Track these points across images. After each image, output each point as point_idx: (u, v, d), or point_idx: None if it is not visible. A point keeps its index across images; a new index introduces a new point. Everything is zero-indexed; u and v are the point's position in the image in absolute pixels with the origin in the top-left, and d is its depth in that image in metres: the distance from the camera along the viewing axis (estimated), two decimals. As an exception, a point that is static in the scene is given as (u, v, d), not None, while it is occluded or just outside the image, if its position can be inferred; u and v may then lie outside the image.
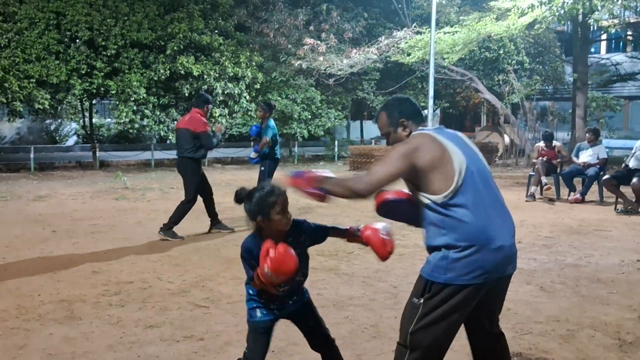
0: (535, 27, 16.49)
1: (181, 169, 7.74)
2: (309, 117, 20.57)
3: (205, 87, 17.59)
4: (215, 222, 7.92)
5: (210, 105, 8.05)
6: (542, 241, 7.45)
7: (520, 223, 8.68)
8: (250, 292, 2.93)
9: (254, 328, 2.96)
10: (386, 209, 2.98)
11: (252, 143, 9.05)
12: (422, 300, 2.70)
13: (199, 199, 7.71)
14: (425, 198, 2.69)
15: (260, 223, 2.78)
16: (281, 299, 2.90)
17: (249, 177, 15.21)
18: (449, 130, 2.89)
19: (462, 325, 2.85)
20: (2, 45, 15.68)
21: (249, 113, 19.38)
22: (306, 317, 3.08)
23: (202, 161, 7.95)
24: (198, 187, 7.66)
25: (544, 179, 10.93)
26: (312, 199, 2.83)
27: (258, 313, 2.92)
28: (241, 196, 2.84)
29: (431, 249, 2.76)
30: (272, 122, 8.54)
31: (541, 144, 11.54)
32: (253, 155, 8.56)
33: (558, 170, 11.30)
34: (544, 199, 11.05)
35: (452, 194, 2.63)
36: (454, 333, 2.76)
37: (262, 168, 8.50)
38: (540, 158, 11.10)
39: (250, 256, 2.83)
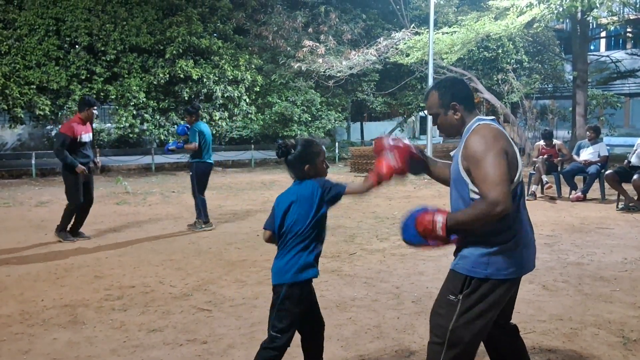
0: (534, 26, 16.50)
1: None
2: (309, 119, 20.60)
3: (204, 90, 17.61)
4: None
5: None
6: (544, 240, 7.44)
7: (522, 222, 8.67)
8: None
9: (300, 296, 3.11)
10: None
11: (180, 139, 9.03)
12: (460, 297, 2.67)
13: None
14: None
15: (307, 170, 3.04)
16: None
17: (250, 181, 15.22)
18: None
19: None
20: (2, 52, 15.72)
21: (249, 116, 19.40)
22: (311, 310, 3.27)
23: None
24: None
25: (544, 178, 10.94)
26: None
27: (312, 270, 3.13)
28: (286, 148, 3.05)
29: (469, 243, 2.68)
30: (202, 126, 8.44)
31: (541, 142, 11.54)
32: (171, 147, 8.57)
33: (559, 168, 11.31)
34: (545, 198, 11.05)
35: (513, 189, 2.61)
36: (489, 328, 2.76)
37: (191, 173, 8.41)
38: (540, 156, 11.11)
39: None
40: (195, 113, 8.53)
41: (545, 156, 11.09)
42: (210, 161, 8.51)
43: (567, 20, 22.54)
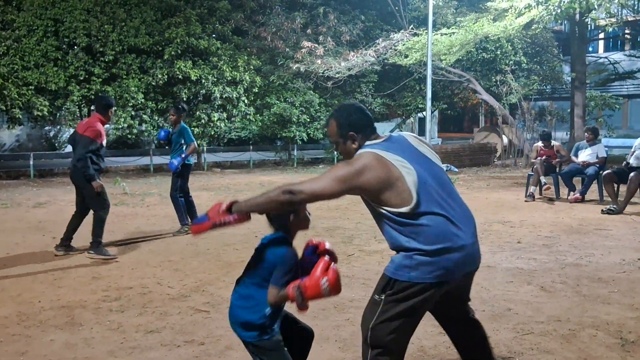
0: (533, 27, 16.53)
1: None
2: (308, 120, 20.58)
3: (203, 91, 17.61)
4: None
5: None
6: (542, 241, 7.45)
7: (520, 223, 8.68)
8: (266, 312, 2.79)
9: (278, 344, 2.84)
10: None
11: (167, 147, 8.73)
12: (383, 297, 2.74)
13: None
14: (384, 210, 2.72)
15: (290, 222, 2.85)
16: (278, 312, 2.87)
17: (248, 182, 15.21)
18: (397, 138, 2.88)
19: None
20: (0, 52, 15.71)
21: (248, 117, 19.40)
22: (285, 322, 2.99)
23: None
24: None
25: (543, 179, 10.94)
26: (234, 224, 2.77)
27: (275, 329, 2.84)
28: None
29: (396, 250, 2.77)
30: (185, 126, 8.39)
31: (540, 143, 11.55)
32: (176, 162, 8.08)
33: (557, 169, 11.31)
34: (544, 199, 11.05)
35: (414, 207, 2.66)
36: (412, 330, 2.84)
37: (176, 173, 8.24)
38: (539, 158, 11.11)
39: (295, 264, 2.80)
40: (185, 112, 8.48)
41: (543, 157, 11.09)
42: (193, 162, 8.57)
43: (566, 22, 22.57)
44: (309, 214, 2.93)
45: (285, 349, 2.86)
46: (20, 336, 4.29)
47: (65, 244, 6.93)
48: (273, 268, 2.74)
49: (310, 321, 4.47)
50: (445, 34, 17.76)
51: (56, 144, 24.96)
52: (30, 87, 15.68)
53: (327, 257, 2.75)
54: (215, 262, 6.49)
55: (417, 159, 2.80)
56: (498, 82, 20.85)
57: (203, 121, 17.80)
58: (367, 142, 2.83)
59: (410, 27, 19.03)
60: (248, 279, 2.84)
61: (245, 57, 19.09)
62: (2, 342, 4.16)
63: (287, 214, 2.83)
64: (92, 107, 19.28)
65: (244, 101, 18.76)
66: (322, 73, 19.39)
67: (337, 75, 19.40)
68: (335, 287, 2.64)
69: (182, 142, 8.18)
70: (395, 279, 2.71)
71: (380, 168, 2.67)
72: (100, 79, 16.56)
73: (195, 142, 8.29)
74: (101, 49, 16.62)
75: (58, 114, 18.65)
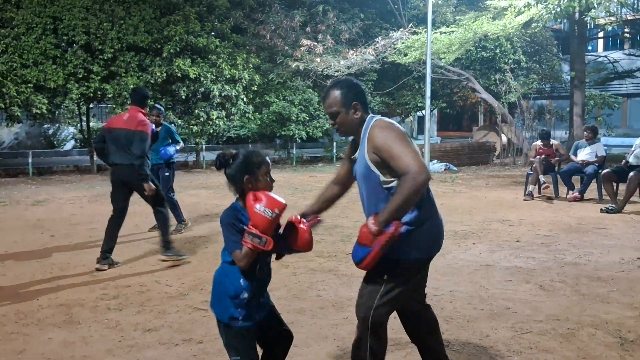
0: (532, 26, 16.51)
1: None
2: (307, 118, 20.56)
3: (202, 89, 17.58)
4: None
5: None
6: (541, 240, 7.45)
7: (519, 222, 8.68)
8: (233, 295, 2.72)
9: (242, 332, 2.75)
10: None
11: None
12: (385, 277, 2.84)
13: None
14: (394, 181, 2.77)
15: (247, 182, 2.73)
16: (256, 299, 2.79)
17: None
18: None
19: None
20: (-1, 50, 15.69)
21: (247, 115, 19.38)
22: (273, 321, 2.94)
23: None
24: None
25: (542, 178, 10.94)
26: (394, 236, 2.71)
27: (241, 320, 2.73)
28: (224, 159, 2.79)
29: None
30: (169, 125, 8.39)
31: (539, 142, 11.54)
32: (171, 150, 7.94)
33: (556, 168, 11.31)
34: (543, 198, 11.05)
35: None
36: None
37: (167, 174, 8.18)
38: (538, 157, 11.10)
39: (240, 218, 2.71)
40: (164, 114, 8.42)
41: (542, 156, 11.09)
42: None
43: (565, 21, 22.55)
44: (270, 179, 2.83)
45: (254, 342, 2.81)
46: (18, 334, 4.28)
47: (106, 256, 6.25)
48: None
49: (309, 320, 4.48)
50: (445, 33, 17.74)
51: (55, 142, 24.92)
52: (29, 84, 15.65)
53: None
54: (213, 260, 6.47)
55: None
56: (497, 81, 20.85)
57: (202, 119, 17.77)
58: (372, 115, 2.93)
59: (409, 26, 19.01)
60: (222, 258, 2.82)
61: (245, 55, 19.06)
62: (0, 341, 4.15)
63: (240, 179, 2.74)
64: (91, 106, 19.30)
65: (243, 99, 18.73)
66: (321, 71, 19.37)
67: (336, 74, 19.37)
68: (271, 203, 2.61)
69: (170, 141, 8.14)
70: (393, 259, 2.79)
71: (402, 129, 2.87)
72: (99, 77, 16.52)
73: (181, 142, 8.31)
74: (100, 47, 16.59)
75: (57, 112, 18.60)
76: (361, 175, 2.89)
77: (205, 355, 3.85)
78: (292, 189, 12.85)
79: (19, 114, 16.58)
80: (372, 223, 2.69)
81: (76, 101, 17.48)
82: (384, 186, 2.80)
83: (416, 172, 2.59)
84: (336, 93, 2.91)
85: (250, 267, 2.68)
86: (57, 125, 24.63)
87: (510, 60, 21.50)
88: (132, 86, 16.35)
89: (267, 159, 2.85)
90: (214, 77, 17.86)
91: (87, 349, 3.99)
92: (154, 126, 7.78)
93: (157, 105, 8.46)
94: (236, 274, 2.71)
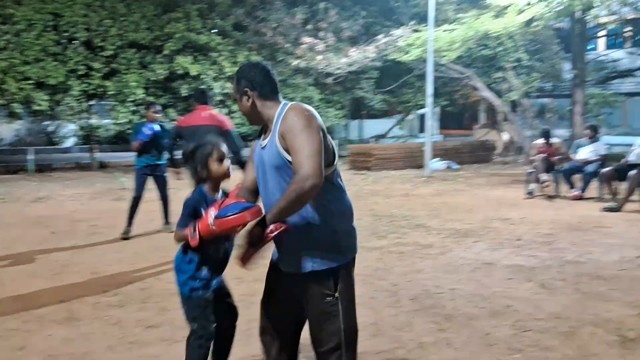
0: (534, 24, 16.47)
1: None
2: (308, 116, 20.52)
3: (203, 86, 17.57)
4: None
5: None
6: (541, 238, 7.44)
7: (520, 220, 8.67)
8: (189, 265, 3.08)
9: (200, 302, 3.07)
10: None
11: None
12: (337, 294, 2.63)
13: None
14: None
15: (200, 172, 3.00)
16: (216, 270, 3.09)
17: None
18: None
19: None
20: (0, 47, 15.66)
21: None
22: (221, 295, 3.21)
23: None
24: None
25: (542, 176, 10.93)
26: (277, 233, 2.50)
27: (200, 290, 3.07)
28: (184, 154, 3.07)
29: (316, 231, 2.60)
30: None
31: (539, 141, 11.52)
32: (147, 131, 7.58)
33: (557, 167, 11.28)
34: (543, 196, 11.04)
35: (334, 169, 2.60)
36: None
37: (166, 174, 7.98)
38: (539, 155, 11.09)
39: (203, 202, 2.95)
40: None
41: (543, 155, 11.07)
42: None
43: (567, 19, 22.48)
44: (227, 166, 3.03)
45: (211, 310, 3.10)
46: (19, 331, 4.28)
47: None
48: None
49: (310, 317, 4.47)
50: (447, 31, 17.70)
51: (55, 139, 24.88)
52: (30, 81, 15.64)
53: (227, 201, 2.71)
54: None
55: None
56: (499, 79, 20.81)
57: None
58: (286, 102, 2.67)
59: (411, 23, 18.97)
60: None
61: (246, 53, 19.05)
62: (1, 337, 4.15)
63: (195, 170, 3.00)
64: (92, 103, 19.28)
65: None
66: (323, 69, 19.34)
67: (337, 72, 19.35)
68: (220, 224, 2.61)
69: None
70: (333, 269, 2.61)
71: (322, 125, 2.56)
72: (100, 74, 16.53)
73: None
74: (101, 44, 16.58)
75: (57, 109, 18.56)
76: (270, 165, 2.59)
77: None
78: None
79: (20, 111, 16.58)
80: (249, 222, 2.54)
81: (77, 98, 17.48)
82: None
83: (305, 176, 2.36)
84: (234, 81, 2.75)
85: (204, 247, 2.91)
86: (57, 122, 24.59)
87: (511, 59, 21.45)
88: (133, 83, 16.36)
89: (218, 146, 3.03)
90: (215, 75, 17.85)
91: (87, 345, 3.99)
92: (157, 125, 7.77)
93: (155, 103, 8.39)
94: (194, 254, 3.03)
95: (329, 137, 2.60)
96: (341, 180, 2.70)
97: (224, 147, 3.06)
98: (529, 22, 16.44)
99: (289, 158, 2.49)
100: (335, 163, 2.61)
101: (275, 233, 2.47)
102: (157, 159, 7.82)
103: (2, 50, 15.66)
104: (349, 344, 2.70)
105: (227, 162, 3.04)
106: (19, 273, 5.89)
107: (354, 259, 2.74)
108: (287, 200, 2.40)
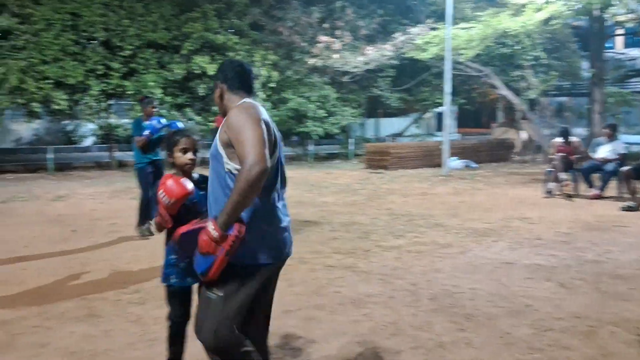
0: (552, 23, 16.35)
1: None
2: (324, 115, 20.52)
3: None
4: None
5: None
6: (561, 237, 7.39)
7: (539, 219, 8.62)
8: (171, 257, 3.24)
9: (174, 291, 3.28)
10: (187, 241, 2.68)
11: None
12: (222, 294, 2.64)
13: None
14: (234, 167, 2.60)
15: (169, 159, 3.19)
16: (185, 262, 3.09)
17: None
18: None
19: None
20: (19, 47, 15.82)
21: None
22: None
23: None
24: None
25: (561, 175, 10.85)
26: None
27: (173, 279, 3.25)
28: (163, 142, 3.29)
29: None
30: None
31: (558, 139, 11.44)
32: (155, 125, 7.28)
33: (576, 166, 11.19)
34: (562, 195, 10.96)
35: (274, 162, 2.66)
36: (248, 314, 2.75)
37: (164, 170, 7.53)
38: (557, 154, 11.01)
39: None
40: None
41: (562, 154, 10.99)
42: None
43: (585, 17, 22.27)
44: (189, 157, 3.15)
45: (185, 301, 3.30)
46: (41, 328, 4.33)
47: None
48: None
49: (328, 316, 4.49)
50: (464, 29, 17.62)
51: (74, 138, 25.10)
52: (49, 81, 15.80)
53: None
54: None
55: (277, 133, 2.76)
56: (517, 78, 20.67)
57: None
58: (246, 100, 2.75)
59: (428, 21, 18.90)
60: None
61: (262, 52, 19.10)
62: (23, 334, 4.20)
63: (167, 156, 3.20)
64: (111, 102, 19.41)
65: (260, 96, 18.77)
66: (339, 68, 19.34)
67: (354, 70, 19.33)
68: (169, 192, 2.92)
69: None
70: (236, 265, 2.59)
71: (267, 121, 2.64)
72: (119, 74, 16.65)
73: None
74: (119, 44, 16.71)
75: (76, 108, 18.72)
76: (210, 154, 2.72)
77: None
78: (309, 186, 12.85)
79: (39, 110, 16.76)
80: (212, 228, 2.46)
81: (96, 98, 17.64)
82: (226, 168, 2.62)
83: (251, 163, 2.39)
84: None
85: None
86: (76, 121, 24.81)
87: (530, 57, 21.29)
88: (151, 83, 16.46)
89: (186, 137, 3.17)
90: (232, 74, 17.92)
91: (108, 342, 4.03)
92: (165, 120, 7.55)
93: (152, 98, 8.11)
94: (170, 242, 3.15)
95: (275, 132, 2.70)
96: (279, 184, 2.74)
97: (194, 140, 3.19)
98: (547, 20, 16.33)
99: (222, 152, 2.63)
100: (275, 156, 2.66)
101: (243, 231, 2.50)
102: (157, 155, 7.55)
103: (22, 50, 15.83)
104: (219, 350, 2.70)
105: (190, 154, 3.16)
106: (40, 271, 5.95)
107: (266, 268, 2.68)
108: (238, 192, 2.41)
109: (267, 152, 2.46)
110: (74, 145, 21.36)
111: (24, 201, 10.90)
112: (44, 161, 17.32)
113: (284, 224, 2.74)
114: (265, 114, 2.67)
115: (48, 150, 17.52)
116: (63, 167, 17.56)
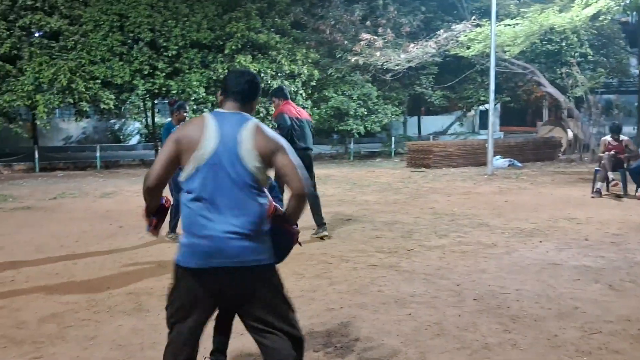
0: (600, 19, 15.98)
1: None
2: (365, 113, 20.46)
3: (262, 85, 17.74)
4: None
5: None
6: (610, 238, 7.22)
7: (587, 220, 8.43)
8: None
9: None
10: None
11: None
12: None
13: None
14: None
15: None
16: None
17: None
18: (234, 116, 2.80)
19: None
20: (68, 47, 16.24)
21: (306, 110, 19.48)
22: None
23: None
24: None
25: (610, 175, 10.59)
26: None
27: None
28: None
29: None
30: None
31: (608, 137, 11.16)
32: None
33: (625, 165, 10.91)
34: (611, 195, 10.70)
35: (186, 177, 2.76)
36: (185, 317, 2.88)
37: None
38: (606, 153, 10.75)
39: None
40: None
41: (611, 152, 10.72)
42: None
43: (633, 13, 21.72)
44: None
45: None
46: (90, 321, 4.43)
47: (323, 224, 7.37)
48: None
49: (371, 315, 4.48)
50: (509, 25, 17.36)
51: (121, 137, 25.66)
52: (97, 80, 16.16)
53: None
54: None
55: (229, 140, 2.70)
56: (563, 75, 20.27)
57: (261, 115, 17.95)
58: (217, 110, 2.90)
59: (472, 18, 18.68)
60: None
61: (304, 51, 19.16)
62: (73, 327, 4.31)
63: None
64: (156, 101, 19.75)
65: (301, 94, 18.83)
66: (381, 65, 19.26)
67: (396, 68, 19.22)
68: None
69: None
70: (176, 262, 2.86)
71: (194, 131, 2.74)
72: (164, 74, 16.92)
73: None
74: (165, 44, 16.98)
75: (123, 107, 19.13)
76: None
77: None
78: (350, 184, 12.83)
79: (87, 109, 17.15)
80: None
81: (142, 97, 17.97)
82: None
83: (145, 182, 2.94)
84: None
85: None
86: (123, 120, 25.33)
87: (576, 54, 20.85)
88: (195, 82, 16.65)
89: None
90: (273, 73, 18.03)
91: (156, 336, 4.09)
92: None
93: (184, 102, 8.12)
94: None
95: (202, 139, 2.71)
96: (191, 193, 2.79)
97: None
98: (594, 16, 15.97)
99: None
100: (185, 174, 2.78)
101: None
102: None
103: (71, 51, 16.24)
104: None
105: None
106: (89, 266, 6.10)
107: (191, 271, 2.78)
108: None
109: (155, 171, 2.87)
110: (120, 144, 21.83)
111: (73, 198, 11.18)
112: (93, 159, 17.74)
113: (202, 232, 2.72)
114: (193, 126, 2.78)
115: (96, 149, 17.93)
116: (110, 165, 17.95)
